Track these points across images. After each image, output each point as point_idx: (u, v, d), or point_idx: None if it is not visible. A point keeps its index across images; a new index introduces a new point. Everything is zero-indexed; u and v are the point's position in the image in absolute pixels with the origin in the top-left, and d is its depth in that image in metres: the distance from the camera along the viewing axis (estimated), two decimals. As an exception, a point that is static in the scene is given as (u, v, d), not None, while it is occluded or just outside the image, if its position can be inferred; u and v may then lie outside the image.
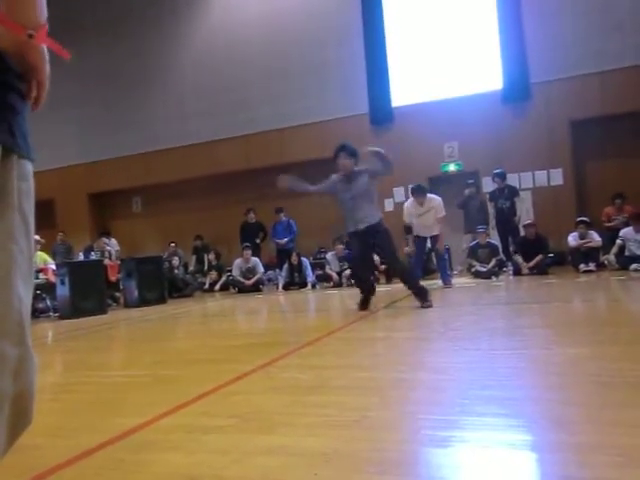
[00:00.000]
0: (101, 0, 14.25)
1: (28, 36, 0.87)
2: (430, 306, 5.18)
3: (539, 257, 8.48)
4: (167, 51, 13.79)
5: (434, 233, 7.61)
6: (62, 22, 13.91)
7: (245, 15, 13.00)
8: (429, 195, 7.74)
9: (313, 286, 9.49)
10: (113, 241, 11.38)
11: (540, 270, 8.41)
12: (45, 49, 0.92)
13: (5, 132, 0.86)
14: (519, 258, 8.65)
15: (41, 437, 1.90)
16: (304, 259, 9.79)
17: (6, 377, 0.85)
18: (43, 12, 0.89)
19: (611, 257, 8.25)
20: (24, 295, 0.89)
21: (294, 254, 9.74)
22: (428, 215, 7.57)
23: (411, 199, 7.87)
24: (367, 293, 5.45)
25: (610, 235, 8.73)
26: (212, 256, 11.48)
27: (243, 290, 9.76)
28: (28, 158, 0.92)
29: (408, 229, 7.88)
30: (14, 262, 0.87)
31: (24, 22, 0.86)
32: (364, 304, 5.42)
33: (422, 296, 5.26)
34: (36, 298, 7.92)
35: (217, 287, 10.90)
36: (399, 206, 11.41)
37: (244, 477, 1.50)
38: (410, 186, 8.95)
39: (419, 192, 7.67)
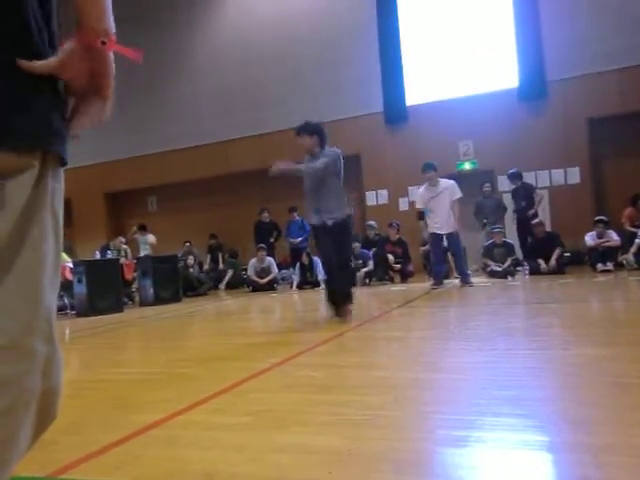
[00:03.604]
0: (116, 0, 14.36)
1: (101, 43, 0.91)
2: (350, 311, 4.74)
3: (557, 252, 8.37)
4: (182, 51, 13.88)
5: (449, 230, 7.42)
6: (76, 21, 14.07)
7: (259, 15, 13.04)
8: (442, 179, 7.63)
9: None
10: (150, 236, 11.83)
11: (557, 269, 8.32)
12: (112, 60, 0.96)
13: (46, 135, 0.89)
14: (529, 265, 8.57)
15: (59, 433, 1.93)
16: (315, 258, 9.80)
17: (36, 375, 0.88)
18: (112, 21, 0.95)
19: (629, 257, 8.13)
20: (51, 293, 0.92)
21: (304, 254, 9.75)
22: (442, 196, 7.41)
23: (424, 185, 7.71)
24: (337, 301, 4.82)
25: (629, 234, 8.62)
26: (226, 255, 11.76)
27: (257, 289, 9.81)
28: (63, 161, 0.95)
29: (420, 215, 7.78)
30: (45, 262, 0.89)
31: (96, 29, 0.91)
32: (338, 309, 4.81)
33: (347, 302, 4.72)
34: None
35: (222, 285, 11.14)
36: (414, 205, 11.39)
37: (259, 474, 1.51)
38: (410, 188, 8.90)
39: (428, 168, 7.49)
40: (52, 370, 0.92)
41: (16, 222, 0.85)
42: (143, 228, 12.07)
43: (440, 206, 7.44)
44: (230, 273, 11.25)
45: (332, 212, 4.71)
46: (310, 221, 4.98)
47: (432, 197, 7.50)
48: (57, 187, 0.94)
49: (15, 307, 0.86)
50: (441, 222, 7.46)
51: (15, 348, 0.85)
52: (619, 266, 8.25)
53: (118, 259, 9.06)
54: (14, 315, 0.85)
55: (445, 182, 7.56)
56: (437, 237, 7.60)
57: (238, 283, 11.27)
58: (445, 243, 7.83)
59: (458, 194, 7.44)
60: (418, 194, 7.88)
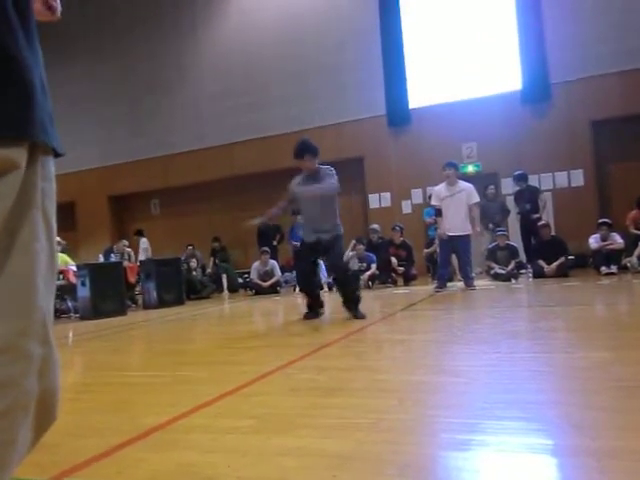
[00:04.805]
0: (120, 4, 14.43)
1: None
2: (363, 317, 4.90)
3: (561, 260, 8.35)
4: (185, 55, 13.92)
5: (460, 232, 7.30)
6: (81, 26, 14.14)
7: (262, 18, 13.07)
8: (461, 181, 7.55)
9: (330, 287, 9.47)
10: (144, 240, 12.17)
11: (561, 272, 8.30)
12: None
13: (27, 123, 0.86)
14: (540, 263, 8.52)
15: (62, 436, 1.93)
16: (318, 261, 9.76)
17: (32, 377, 0.88)
18: None
19: (634, 259, 8.11)
20: (46, 295, 0.91)
21: None
22: (458, 197, 7.32)
23: (443, 182, 7.61)
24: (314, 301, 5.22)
25: (633, 237, 8.59)
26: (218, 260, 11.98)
27: (260, 292, 9.81)
28: (53, 151, 0.93)
29: (438, 212, 7.59)
30: (37, 262, 0.89)
31: None
32: (311, 310, 5.20)
33: (355, 305, 4.97)
34: (57, 299, 8.04)
35: (225, 289, 11.29)
36: (417, 208, 11.39)
37: (262, 477, 1.50)
38: (428, 188, 8.80)
39: (448, 165, 7.45)
40: (49, 372, 0.91)
41: (5, 222, 0.84)
42: (140, 233, 12.25)
43: (454, 207, 7.34)
44: (224, 278, 11.31)
45: (329, 231, 4.99)
46: (305, 239, 5.21)
47: (447, 196, 7.42)
48: (47, 187, 0.92)
49: (8, 309, 0.85)
50: (450, 223, 7.38)
51: (10, 351, 0.85)
52: (623, 269, 8.22)
53: (121, 262, 9.08)
54: (7, 317, 0.85)
55: (463, 184, 7.49)
56: (444, 240, 7.53)
57: (235, 287, 11.31)
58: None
59: (476, 198, 7.40)
60: (435, 190, 7.74)
